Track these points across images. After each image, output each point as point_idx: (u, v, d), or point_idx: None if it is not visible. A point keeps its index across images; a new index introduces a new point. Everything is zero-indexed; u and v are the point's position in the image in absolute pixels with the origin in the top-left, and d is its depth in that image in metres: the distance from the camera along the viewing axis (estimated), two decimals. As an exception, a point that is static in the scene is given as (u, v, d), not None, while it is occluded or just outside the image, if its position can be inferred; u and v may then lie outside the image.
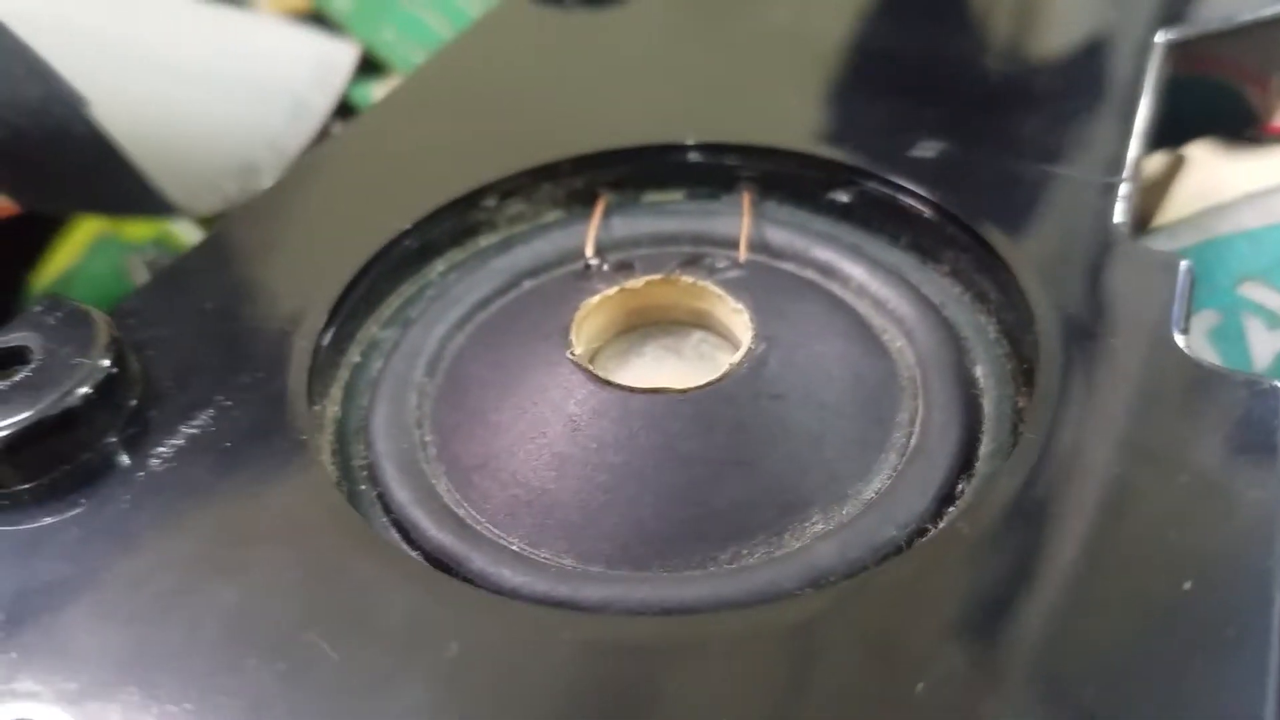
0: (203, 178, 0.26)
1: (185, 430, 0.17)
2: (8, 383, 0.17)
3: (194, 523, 0.16)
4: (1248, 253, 0.23)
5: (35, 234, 0.34)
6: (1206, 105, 0.30)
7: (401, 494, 0.17)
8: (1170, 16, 0.25)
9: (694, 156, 0.22)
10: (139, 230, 0.35)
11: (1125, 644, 0.13)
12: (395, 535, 0.17)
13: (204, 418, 0.17)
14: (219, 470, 0.16)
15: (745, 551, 0.16)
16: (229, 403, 0.17)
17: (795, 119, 0.22)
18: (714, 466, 0.17)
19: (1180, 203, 0.29)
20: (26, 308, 0.18)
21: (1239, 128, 0.29)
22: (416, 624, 0.14)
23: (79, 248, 0.36)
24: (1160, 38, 0.24)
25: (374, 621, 0.14)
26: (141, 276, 0.30)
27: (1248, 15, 0.25)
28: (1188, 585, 0.14)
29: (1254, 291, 0.22)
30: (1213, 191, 0.28)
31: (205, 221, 0.32)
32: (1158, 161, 0.31)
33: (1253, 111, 0.30)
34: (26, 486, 0.17)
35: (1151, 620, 0.13)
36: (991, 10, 0.27)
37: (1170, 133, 0.26)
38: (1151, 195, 0.30)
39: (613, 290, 0.19)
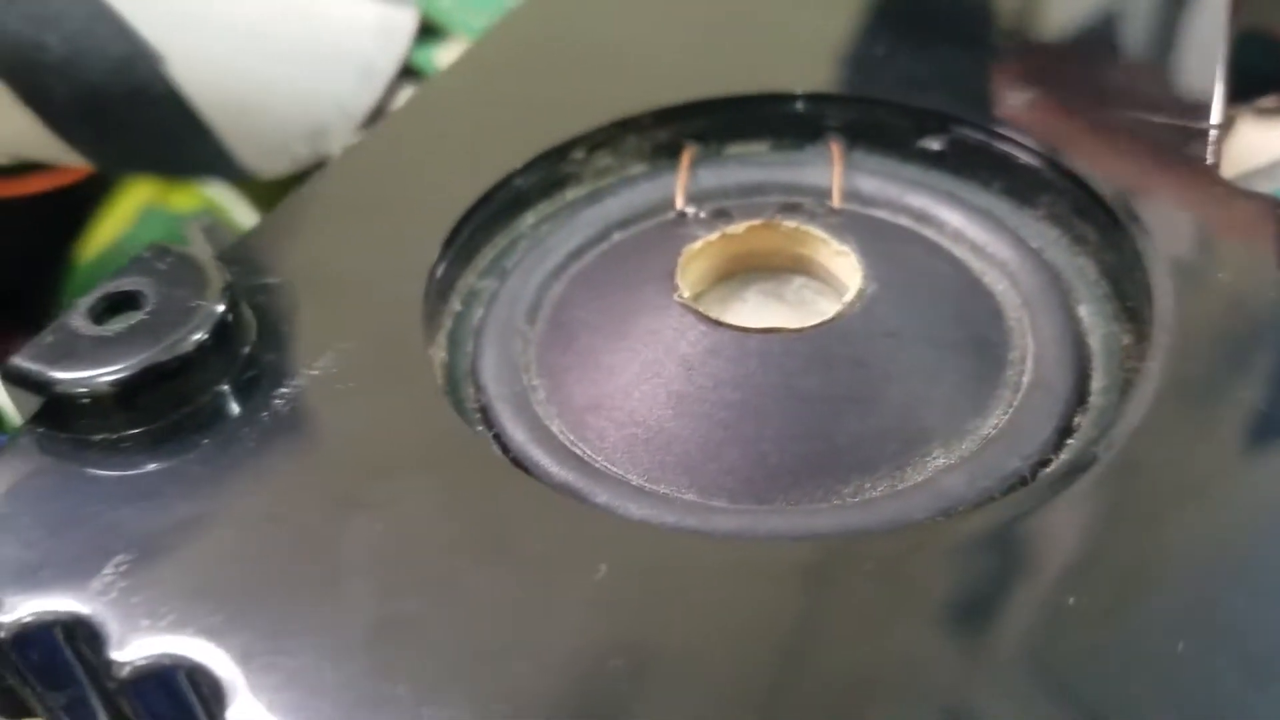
0: (274, 140, 0.26)
1: (306, 373, 0.17)
2: (124, 325, 0.17)
3: (325, 459, 0.16)
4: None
5: (73, 207, 0.34)
6: (1256, 60, 0.30)
7: (518, 434, 0.17)
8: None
9: (782, 107, 0.22)
10: (185, 200, 0.35)
11: (1273, 561, 0.14)
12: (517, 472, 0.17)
13: (324, 360, 0.17)
14: (346, 411, 0.17)
15: (869, 485, 0.16)
16: (347, 345, 0.17)
17: (880, 67, 0.22)
18: (833, 403, 0.17)
19: (1235, 160, 0.30)
20: (138, 256, 0.18)
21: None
22: (563, 548, 0.14)
23: (127, 218, 0.35)
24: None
25: (522, 548, 0.14)
26: (199, 244, 0.29)
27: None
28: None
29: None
30: (1258, 147, 0.28)
31: (253, 192, 0.32)
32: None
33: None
34: (143, 429, 0.17)
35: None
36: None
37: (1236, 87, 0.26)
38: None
39: (715, 235, 0.20)
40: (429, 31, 0.31)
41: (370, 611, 0.14)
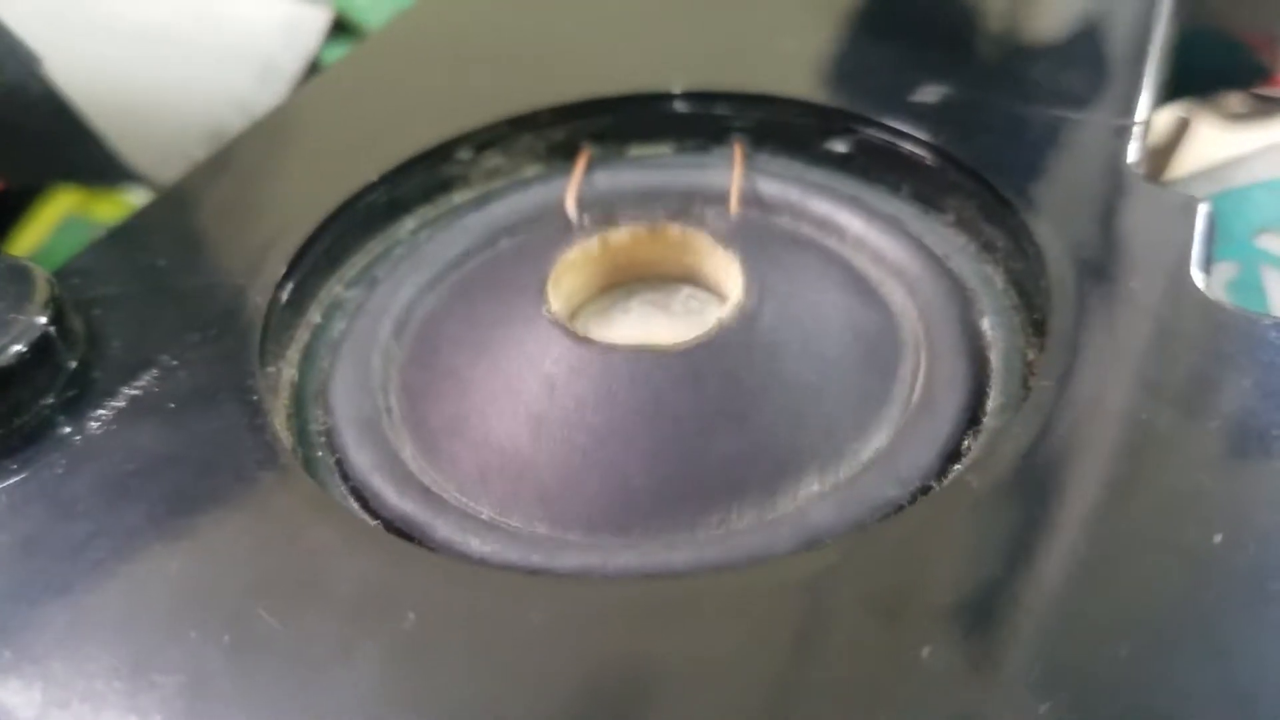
0: (168, 143, 0.25)
1: (126, 392, 0.16)
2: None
3: (134, 488, 0.14)
4: (1265, 203, 0.22)
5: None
6: (1216, 58, 0.29)
7: (361, 459, 0.16)
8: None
9: (682, 106, 0.21)
10: (108, 209, 0.34)
11: (1154, 601, 0.12)
12: (354, 504, 0.16)
13: (147, 378, 0.16)
14: (161, 433, 0.15)
15: (735, 514, 0.15)
16: (174, 362, 0.16)
17: (789, 65, 0.21)
18: (702, 425, 0.16)
19: (1187, 162, 0.28)
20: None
21: (1248, 81, 0.28)
22: (371, 593, 0.13)
23: (46, 227, 0.34)
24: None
25: (326, 591, 0.13)
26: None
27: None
28: (1219, 538, 0.12)
29: (1272, 243, 0.21)
30: (1221, 150, 0.27)
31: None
32: (1163, 121, 0.29)
33: (1261, 66, 0.29)
34: (-43, 453, 0.15)
35: (1181, 575, 0.12)
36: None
37: (1181, 85, 0.25)
38: (1158, 157, 0.29)
39: (593, 243, 0.18)
40: (344, 29, 0.30)
41: (156, 661, 0.13)
